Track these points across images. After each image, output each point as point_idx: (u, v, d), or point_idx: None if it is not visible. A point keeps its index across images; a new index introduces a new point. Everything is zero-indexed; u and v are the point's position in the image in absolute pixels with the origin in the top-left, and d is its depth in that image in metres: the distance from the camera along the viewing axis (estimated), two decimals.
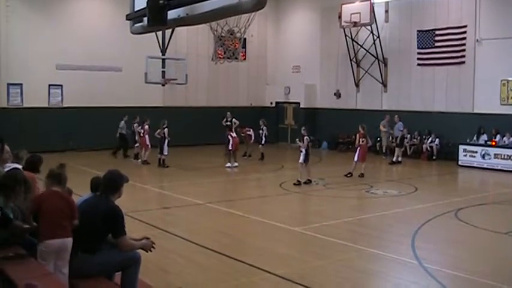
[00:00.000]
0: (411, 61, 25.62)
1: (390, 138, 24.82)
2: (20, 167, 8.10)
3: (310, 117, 29.55)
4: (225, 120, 24.16)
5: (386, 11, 26.65)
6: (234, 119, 23.24)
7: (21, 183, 6.40)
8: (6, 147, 8.37)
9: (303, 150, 17.12)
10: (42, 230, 6.03)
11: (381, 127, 24.86)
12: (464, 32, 23.54)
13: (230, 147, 21.11)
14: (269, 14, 31.31)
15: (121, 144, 23.72)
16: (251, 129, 24.24)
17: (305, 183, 16.96)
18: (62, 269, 5.99)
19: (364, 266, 8.98)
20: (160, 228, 11.17)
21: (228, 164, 21.03)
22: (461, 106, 23.76)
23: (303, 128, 17.99)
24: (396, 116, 24.39)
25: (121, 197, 6.40)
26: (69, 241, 6.03)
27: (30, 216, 6.17)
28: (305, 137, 17.30)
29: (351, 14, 25.99)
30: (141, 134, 21.81)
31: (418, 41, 25.28)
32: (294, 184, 16.92)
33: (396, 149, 23.21)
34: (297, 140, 17.96)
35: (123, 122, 23.51)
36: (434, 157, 23.94)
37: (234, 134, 21.28)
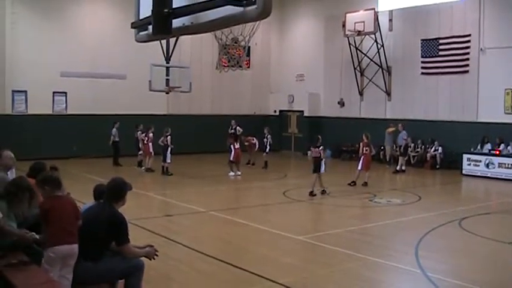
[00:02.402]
0: (415, 70, 25.64)
1: (394, 146, 24.81)
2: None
3: (314, 126, 29.54)
4: (230, 128, 24.20)
5: (390, 20, 26.71)
6: (238, 127, 23.24)
7: (24, 191, 6.41)
8: (9, 153, 8.38)
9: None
10: (50, 236, 6.01)
11: (388, 130, 24.77)
12: (468, 41, 23.56)
13: (232, 158, 21.12)
14: (273, 23, 31.40)
15: (116, 152, 23.73)
16: (255, 138, 24.26)
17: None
18: (66, 275, 5.99)
19: (368, 275, 8.95)
20: (163, 236, 11.16)
21: (231, 173, 21.02)
22: (465, 115, 23.75)
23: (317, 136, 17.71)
24: (400, 125, 24.35)
25: (124, 204, 6.41)
26: (76, 247, 6.02)
27: (44, 224, 6.16)
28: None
29: (355, 23, 26.04)
30: (145, 142, 21.84)
31: (422, 50, 25.31)
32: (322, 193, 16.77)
33: (400, 157, 23.18)
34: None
35: (115, 130, 23.53)
36: (437, 166, 23.90)
37: (237, 145, 21.25)
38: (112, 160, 23.58)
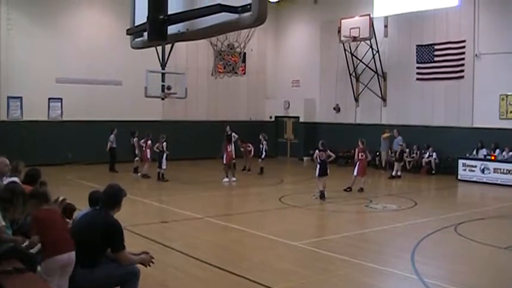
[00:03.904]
0: (410, 76, 25.72)
1: (390, 152, 24.83)
2: (17, 180, 8.10)
3: (310, 132, 29.60)
4: (226, 134, 24.17)
5: (386, 26, 26.80)
6: (233, 133, 23.15)
7: (19, 196, 6.40)
8: (5, 160, 8.38)
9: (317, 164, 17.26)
10: (48, 247, 5.96)
11: (383, 136, 24.85)
12: (463, 47, 23.66)
13: (224, 161, 21.09)
14: (269, 29, 31.47)
15: (113, 158, 23.68)
16: (251, 145, 24.22)
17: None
18: (62, 285, 5.96)
19: (364, 280, 8.94)
20: (159, 242, 11.13)
21: (226, 179, 20.94)
22: (460, 120, 23.82)
23: (320, 141, 17.78)
24: (395, 131, 24.39)
25: (120, 210, 6.41)
26: (74, 255, 6.00)
27: (36, 234, 6.10)
28: (315, 150, 17.38)
29: (350, 29, 26.12)
30: (144, 148, 21.81)
31: (417, 56, 25.40)
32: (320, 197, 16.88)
33: (395, 163, 23.19)
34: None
35: (113, 136, 23.47)
36: (433, 171, 23.92)
37: (229, 148, 21.21)
38: (108, 166, 23.52)
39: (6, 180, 7.90)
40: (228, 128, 24.24)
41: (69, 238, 6.05)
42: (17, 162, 8.73)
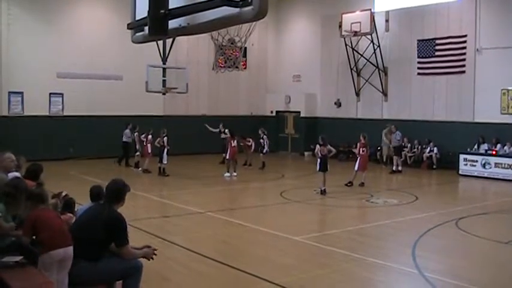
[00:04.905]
0: (411, 70, 25.68)
1: (390, 147, 24.79)
2: (18, 175, 8.12)
3: (311, 127, 29.58)
4: (218, 131, 24.23)
5: (387, 21, 26.73)
6: (226, 130, 23.05)
7: (22, 192, 6.43)
8: (11, 155, 8.41)
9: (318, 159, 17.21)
10: (44, 243, 5.97)
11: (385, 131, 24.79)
12: (465, 42, 23.60)
13: (227, 156, 21.11)
14: (270, 23, 31.43)
15: (125, 153, 23.67)
16: (251, 139, 24.19)
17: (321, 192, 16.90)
18: (62, 279, 5.97)
19: (365, 275, 8.96)
20: (160, 237, 11.15)
21: (227, 173, 20.96)
22: (461, 115, 23.79)
23: (320, 136, 17.80)
24: (393, 126, 24.26)
25: (123, 205, 6.43)
26: (71, 249, 6.01)
27: (32, 233, 6.08)
28: (316, 145, 17.37)
29: (351, 23, 26.06)
30: (145, 143, 21.81)
31: (418, 50, 25.35)
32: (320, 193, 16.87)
33: (395, 158, 23.17)
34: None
35: (128, 131, 23.43)
36: (434, 166, 23.91)
37: (233, 143, 21.20)
38: (117, 160, 23.68)
39: (9, 176, 7.92)
40: (220, 125, 24.26)
41: (65, 233, 6.06)
42: (18, 157, 8.75)
